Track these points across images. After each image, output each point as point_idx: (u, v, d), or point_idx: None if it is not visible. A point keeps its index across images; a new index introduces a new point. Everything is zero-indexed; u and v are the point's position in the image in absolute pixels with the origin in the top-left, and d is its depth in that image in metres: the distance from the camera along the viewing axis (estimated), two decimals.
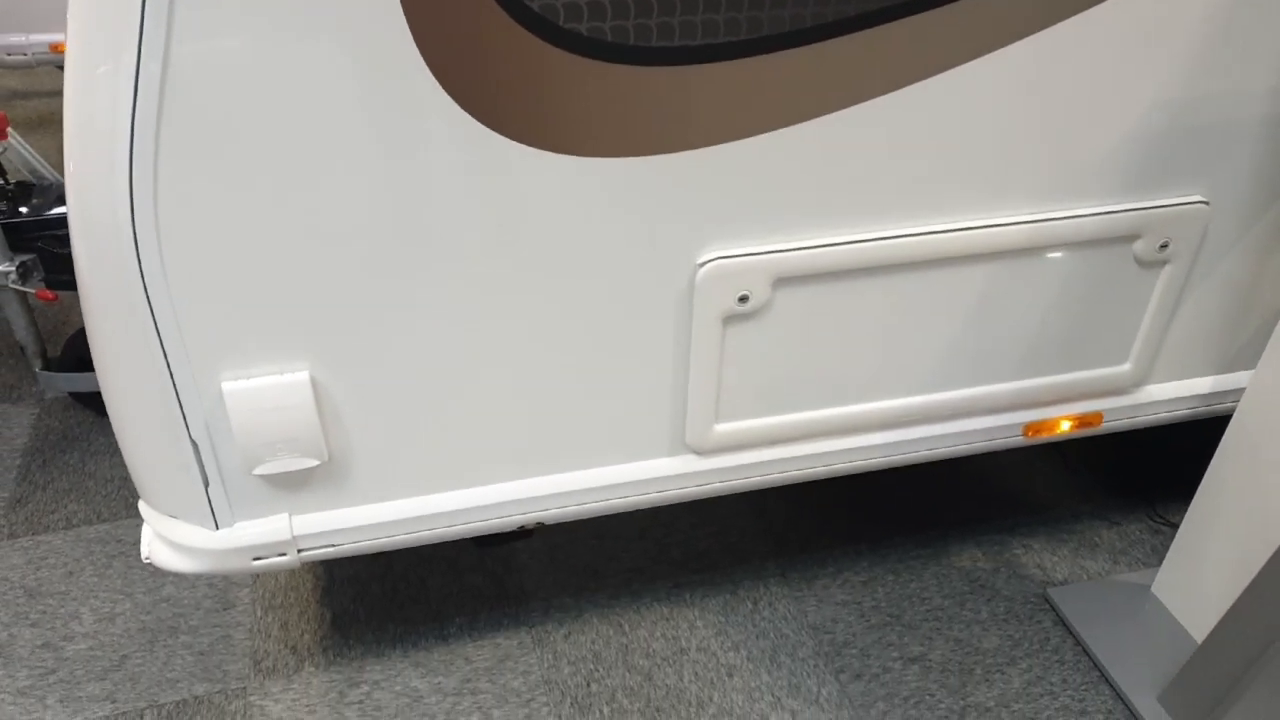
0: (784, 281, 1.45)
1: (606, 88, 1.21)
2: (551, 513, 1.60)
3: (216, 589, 2.04)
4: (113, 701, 1.79)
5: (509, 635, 1.95)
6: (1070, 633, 1.96)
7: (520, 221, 1.29)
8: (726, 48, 1.22)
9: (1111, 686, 1.84)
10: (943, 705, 1.82)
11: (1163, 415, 1.80)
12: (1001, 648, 1.94)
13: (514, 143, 1.22)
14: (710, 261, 1.39)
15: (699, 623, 1.99)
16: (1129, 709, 1.80)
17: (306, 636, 1.94)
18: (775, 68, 1.26)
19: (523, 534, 1.81)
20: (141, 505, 1.50)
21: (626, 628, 1.97)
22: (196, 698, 1.80)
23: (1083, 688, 1.85)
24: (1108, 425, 1.77)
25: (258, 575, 2.07)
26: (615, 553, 2.14)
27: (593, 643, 1.94)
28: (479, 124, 1.19)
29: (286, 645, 1.92)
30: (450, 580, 2.07)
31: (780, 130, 1.31)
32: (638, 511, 2.24)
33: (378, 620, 1.98)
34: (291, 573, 2.09)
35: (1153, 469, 2.38)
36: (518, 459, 1.54)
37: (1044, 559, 2.14)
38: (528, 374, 1.44)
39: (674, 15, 1.18)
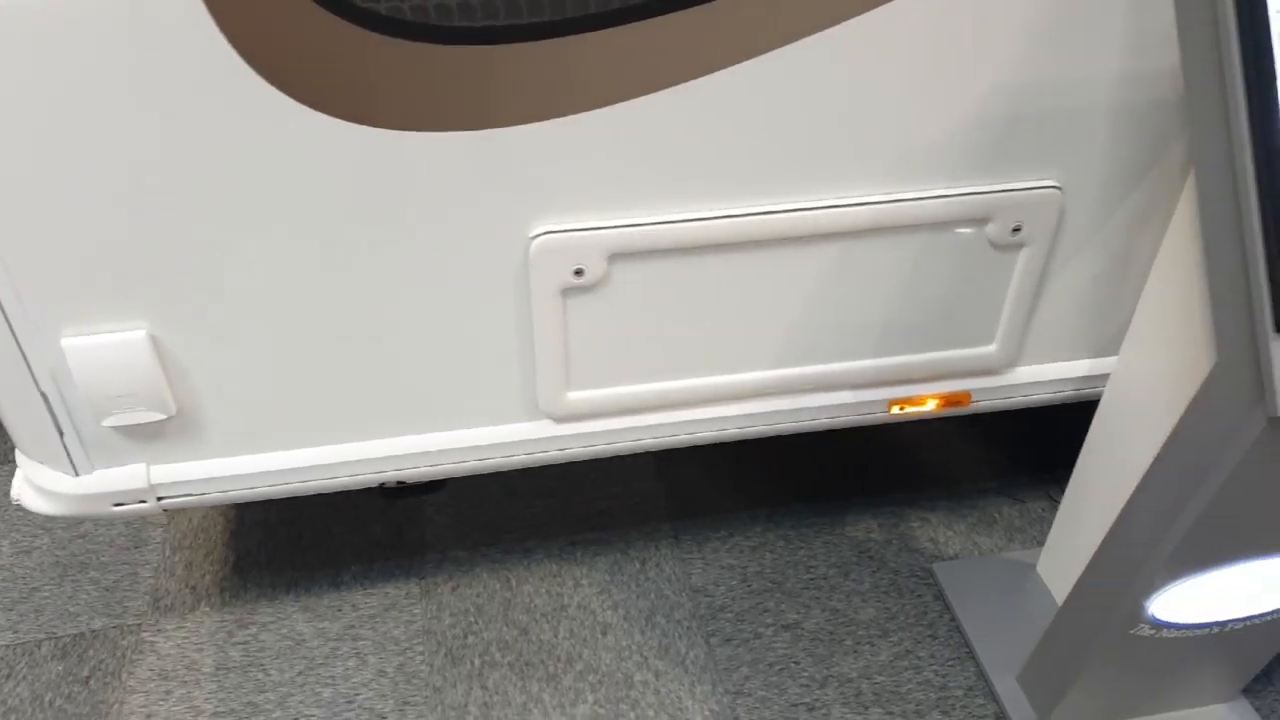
0: (621, 256, 1.47)
1: (410, 64, 1.23)
2: (410, 472, 1.66)
3: (132, 527, 2.14)
4: (14, 632, 1.91)
5: (399, 585, 2.03)
6: (948, 608, 1.98)
7: (332, 190, 1.32)
8: (532, 28, 1.23)
9: (976, 664, 1.87)
10: (806, 674, 1.86)
11: (1037, 397, 1.80)
12: (877, 620, 1.97)
13: (321, 114, 1.25)
14: (541, 235, 1.42)
15: (584, 581, 2.05)
16: (989, 686, 1.82)
17: (208, 577, 2.04)
18: (585, 48, 1.26)
19: (431, 487, 1.88)
20: (16, 451, 1.58)
21: (514, 583, 2.04)
22: (94, 631, 1.91)
23: (949, 663, 1.88)
24: (977, 405, 1.77)
25: (171, 515, 2.17)
26: (518, 509, 2.20)
27: (478, 596, 2.01)
28: (282, 94, 1.22)
29: (187, 585, 2.02)
30: (354, 530, 2.15)
31: (598, 110, 1.32)
32: (546, 469, 2.30)
33: (278, 565, 2.07)
34: (204, 514, 2.18)
35: (1064, 447, 2.37)
36: (372, 419, 1.59)
37: (939, 533, 2.16)
38: (368, 337, 1.48)
39: None
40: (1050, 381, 1.78)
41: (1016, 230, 1.54)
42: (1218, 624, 1.47)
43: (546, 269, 1.45)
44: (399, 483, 1.72)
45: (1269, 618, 1.49)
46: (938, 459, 2.35)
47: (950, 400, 1.75)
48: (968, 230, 1.55)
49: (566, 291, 1.49)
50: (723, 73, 1.34)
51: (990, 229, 1.54)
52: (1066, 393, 1.79)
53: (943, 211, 1.51)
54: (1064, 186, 1.52)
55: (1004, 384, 1.76)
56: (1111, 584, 1.46)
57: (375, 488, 1.73)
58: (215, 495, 1.61)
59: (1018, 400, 1.79)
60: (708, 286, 1.54)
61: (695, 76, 1.33)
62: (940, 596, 2.01)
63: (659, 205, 1.44)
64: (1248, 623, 1.49)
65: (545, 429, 1.66)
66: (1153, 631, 1.46)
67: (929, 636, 1.93)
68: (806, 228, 1.49)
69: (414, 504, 2.25)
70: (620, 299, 1.52)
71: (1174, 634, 1.48)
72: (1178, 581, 1.37)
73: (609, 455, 1.73)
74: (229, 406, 1.52)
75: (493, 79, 1.26)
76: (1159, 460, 1.31)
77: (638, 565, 2.08)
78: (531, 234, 1.42)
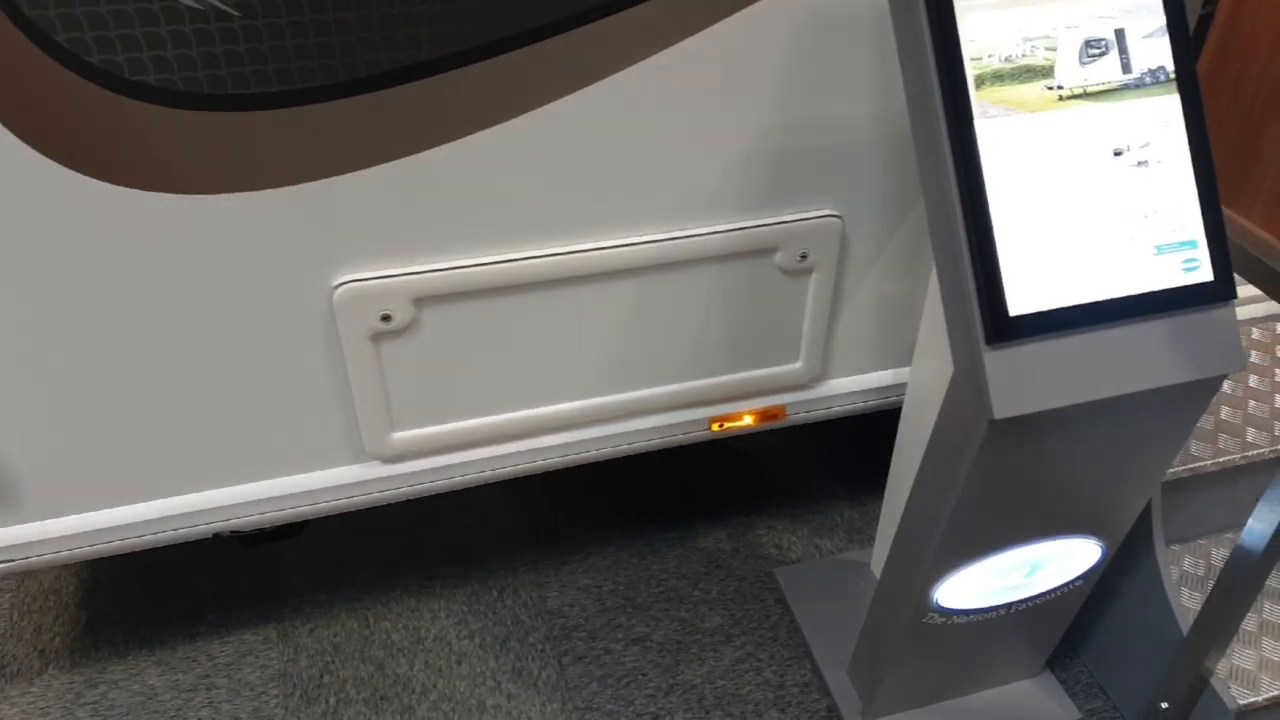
0: (427, 300, 1.54)
1: (196, 130, 1.28)
2: (242, 521, 1.69)
3: None
4: None
5: (256, 631, 2.05)
6: (788, 610, 2.09)
7: (122, 254, 1.37)
8: (301, 94, 1.30)
9: (812, 661, 1.98)
10: (652, 684, 1.95)
11: (848, 408, 1.92)
12: (722, 626, 2.06)
13: (101, 183, 1.29)
14: (344, 284, 1.48)
15: (442, 613, 2.10)
16: (822, 682, 1.93)
17: (58, 639, 2.03)
18: (370, 106, 1.34)
19: (288, 532, 1.90)
20: None
21: (371, 620, 2.08)
22: None
23: (787, 663, 1.99)
24: (792, 418, 1.89)
25: (21, 579, 2.15)
26: (375, 548, 2.24)
27: (335, 636, 2.04)
28: (60, 166, 1.27)
29: (35, 649, 2.00)
30: (212, 580, 2.16)
31: (389, 164, 1.39)
32: (400, 505, 2.35)
33: (132, 621, 2.07)
34: (55, 575, 2.17)
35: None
36: (197, 472, 1.62)
37: (783, 539, 2.27)
38: (180, 394, 1.52)
39: (243, 66, 1.26)
40: (858, 392, 1.90)
41: (803, 257, 1.66)
42: (1000, 608, 1.60)
43: (352, 317, 1.51)
44: (234, 532, 1.75)
45: (1046, 598, 1.62)
46: (783, 468, 2.47)
47: (766, 415, 1.86)
48: (758, 259, 1.66)
49: (377, 336, 1.55)
50: (507, 124, 1.42)
51: (779, 257, 1.66)
52: (874, 402, 1.92)
53: (730, 244, 1.61)
54: (844, 215, 1.65)
55: (814, 397, 1.87)
56: (901, 578, 1.57)
57: (232, 537, 1.76)
58: (36, 559, 1.62)
59: (830, 411, 1.91)
60: (517, 324, 1.62)
61: (481, 129, 1.42)
62: (781, 599, 2.11)
63: (459, 250, 1.52)
64: (1029, 604, 1.62)
65: (375, 470, 1.71)
66: (943, 619, 1.58)
67: (770, 639, 2.04)
68: (602, 266, 1.58)
69: (273, 550, 2.27)
70: (432, 340, 1.58)
71: (964, 620, 1.60)
72: (954, 572, 1.49)
73: (444, 491, 1.79)
74: (40, 469, 1.54)
75: (278, 140, 1.32)
76: (924, 460, 1.43)
77: (495, 594, 2.14)
78: (334, 284, 1.48)
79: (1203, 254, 1.27)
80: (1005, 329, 1.20)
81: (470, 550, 2.24)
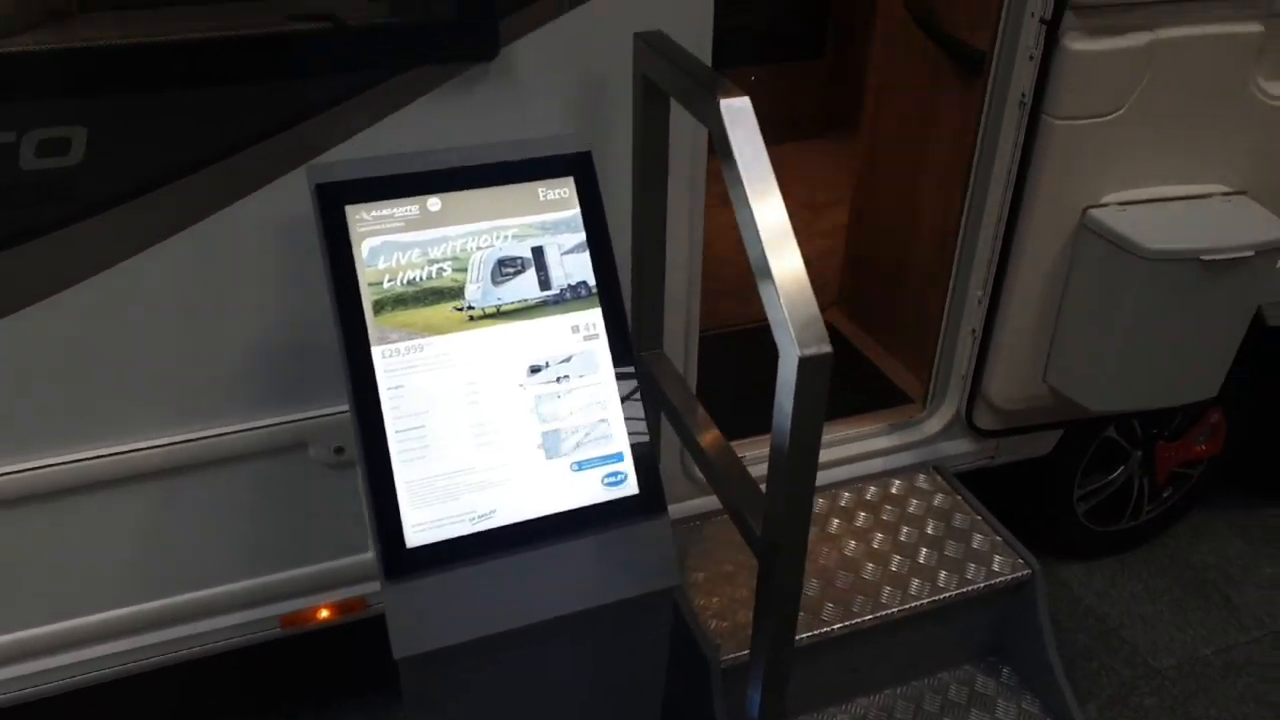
0: None
1: None
2: None
3: None
4: None
5: None
6: None
7: None
8: None
9: None
10: None
11: None
12: None
13: None
14: None
15: None
16: None
17: None
18: None
19: None
20: None
21: None
22: None
23: None
24: (376, 608, 1.81)
25: None
26: None
27: None
28: None
29: None
30: None
31: None
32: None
33: None
34: None
35: None
36: None
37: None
38: None
39: None
40: None
41: (339, 450, 1.61)
42: None
43: None
44: None
45: None
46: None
47: (344, 608, 1.78)
48: (293, 454, 1.60)
49: None
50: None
51: (312, 452, 1.61)
52: None
53: (253, 443, 1.55)
54: None
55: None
56: None
57: None
58: None
59: None
60: (42, 534, 1.52)
61: None
62: None
63: None
64: None
65: None
66: None
67: None
68: (120, 471, 1.50)
69: None
70: None
71: None
72: None
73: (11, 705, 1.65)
74: None
75: None
76: None
77: None
78: None
79: (629, 467, 1.25)
80: (403, 563, 1.16)
81: None
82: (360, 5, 1.39)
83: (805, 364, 1.00)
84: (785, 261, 1.04)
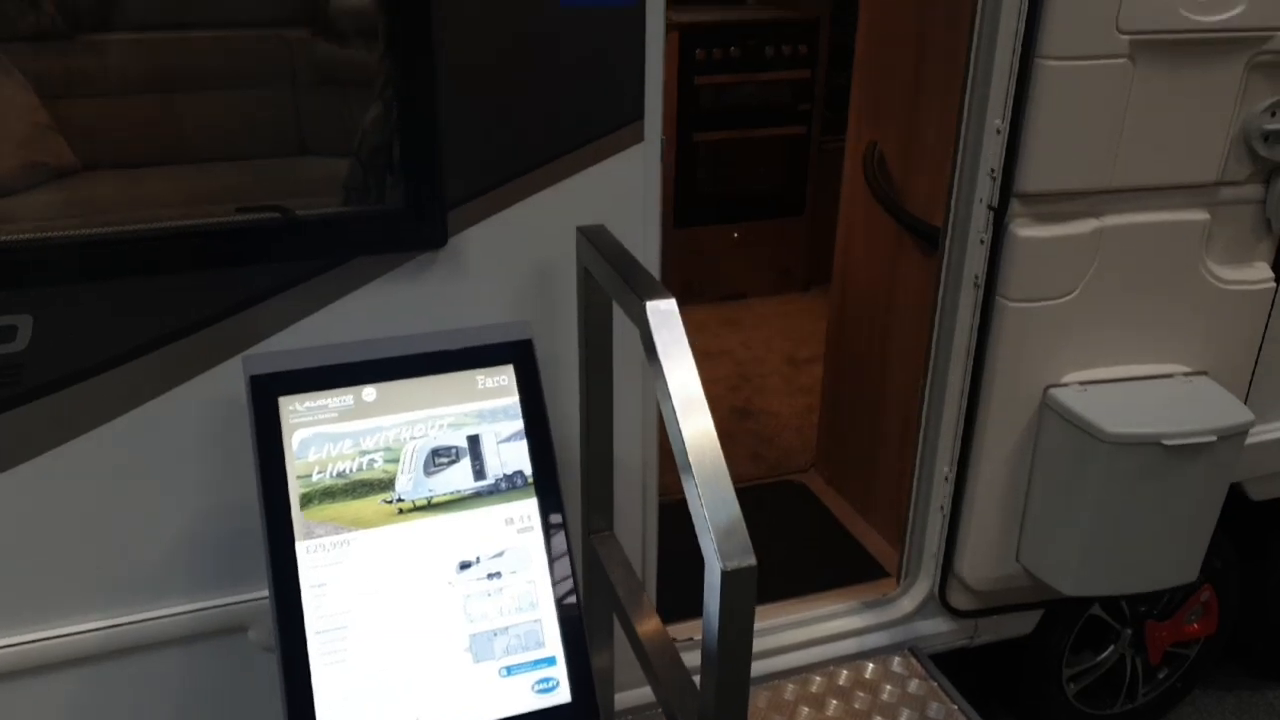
0: None
1: None
2: None
3: None
4: None
5: None
6: None
7: None
8: None
9: None
10: None
11: None
12: None
13: None
14: None
15: None
16: None
17: None
18: None
19: None
20: None
21: None
22: None
23: None
24: None
25: None
26: None
27: None
28: None
29: None
30: None
31: None
32: None
33: None
34: None
35: None
36: None
37: None
38: None
39: None
40: None
41: None
42: None
43: None
44: None
45: None
46: None
47: None
48: (236, 637, 1.55)
49: None
50: None
51: (252, 635, 1.55)
52: None
53: (197, 624, 1.50)
54: None
55: None
56: None
57: None
58: None
59: None
60: None
61: None
62: None
63: None
64: None
65: None
66: None
67: None
68: (53, 655, 1.45)
69: None
70: None
71: None
72: None
73: None
74: None
75: None
76: None
77: None
78: None
79: (561, 673, 1.20)
80: None
81: None
82: (313, 194, 1.43)
83: (729, 578, 0.96)
84: (708, 469, 1.01)
